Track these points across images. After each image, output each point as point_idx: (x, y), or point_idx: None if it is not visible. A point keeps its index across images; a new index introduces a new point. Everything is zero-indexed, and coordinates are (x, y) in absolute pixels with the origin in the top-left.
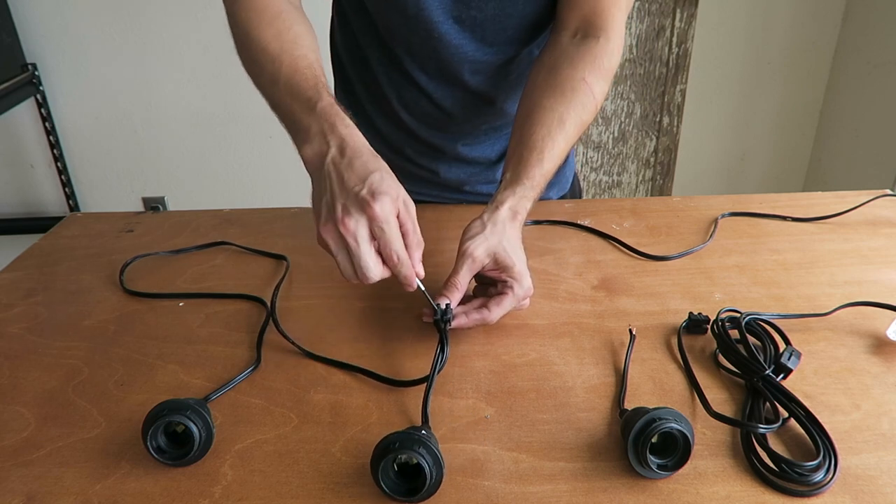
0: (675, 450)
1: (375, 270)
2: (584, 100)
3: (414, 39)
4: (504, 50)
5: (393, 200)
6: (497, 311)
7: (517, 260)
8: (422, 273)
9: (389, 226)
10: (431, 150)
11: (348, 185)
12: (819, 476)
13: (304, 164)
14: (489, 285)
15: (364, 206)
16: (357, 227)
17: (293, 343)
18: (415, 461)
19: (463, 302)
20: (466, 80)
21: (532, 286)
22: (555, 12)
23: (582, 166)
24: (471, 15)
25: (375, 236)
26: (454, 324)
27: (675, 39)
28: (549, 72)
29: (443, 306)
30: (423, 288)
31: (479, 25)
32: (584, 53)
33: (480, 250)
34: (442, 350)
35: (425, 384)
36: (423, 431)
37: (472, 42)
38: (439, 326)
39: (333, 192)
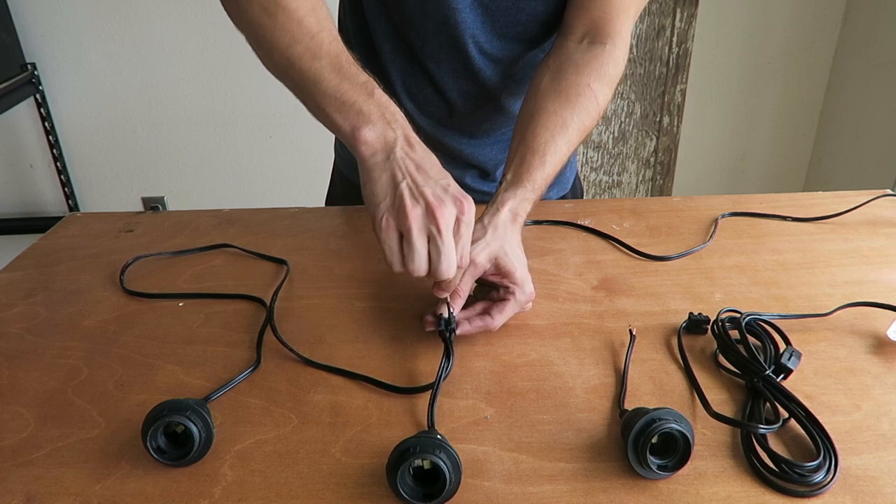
0: (675, 450)
1: (455, 266)
2: (587, 106)
3: (429, 24)
4: (512, 47)
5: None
6: (500, 317)
7: (519, 265)
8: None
9: (469, 228)
10: (429, 143)
11: (433, 176)
12: (819, 476)
13: (359, 144)
14: (490, 288)
15: (455, 200)
16: (450, 218)
17: (294, 352)
18: (429, 465)
19: (464, 305)
20: (475, 71)
21: (534, 290)
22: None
23: (582, 166)
24: (483, 2)
25: (456, 232)
26: (458, 331)
27: (675, 39)
28: (554, 76)
29: (445, 314)
30: (448, 297)
31: (491, 14)
32: (590, 59)
33: (483, 256)
34: (447, 359)
35: (429, 390)
36: (440, 436)
37: (485, 32)
38: (444, 336)
39: (416, 179)
